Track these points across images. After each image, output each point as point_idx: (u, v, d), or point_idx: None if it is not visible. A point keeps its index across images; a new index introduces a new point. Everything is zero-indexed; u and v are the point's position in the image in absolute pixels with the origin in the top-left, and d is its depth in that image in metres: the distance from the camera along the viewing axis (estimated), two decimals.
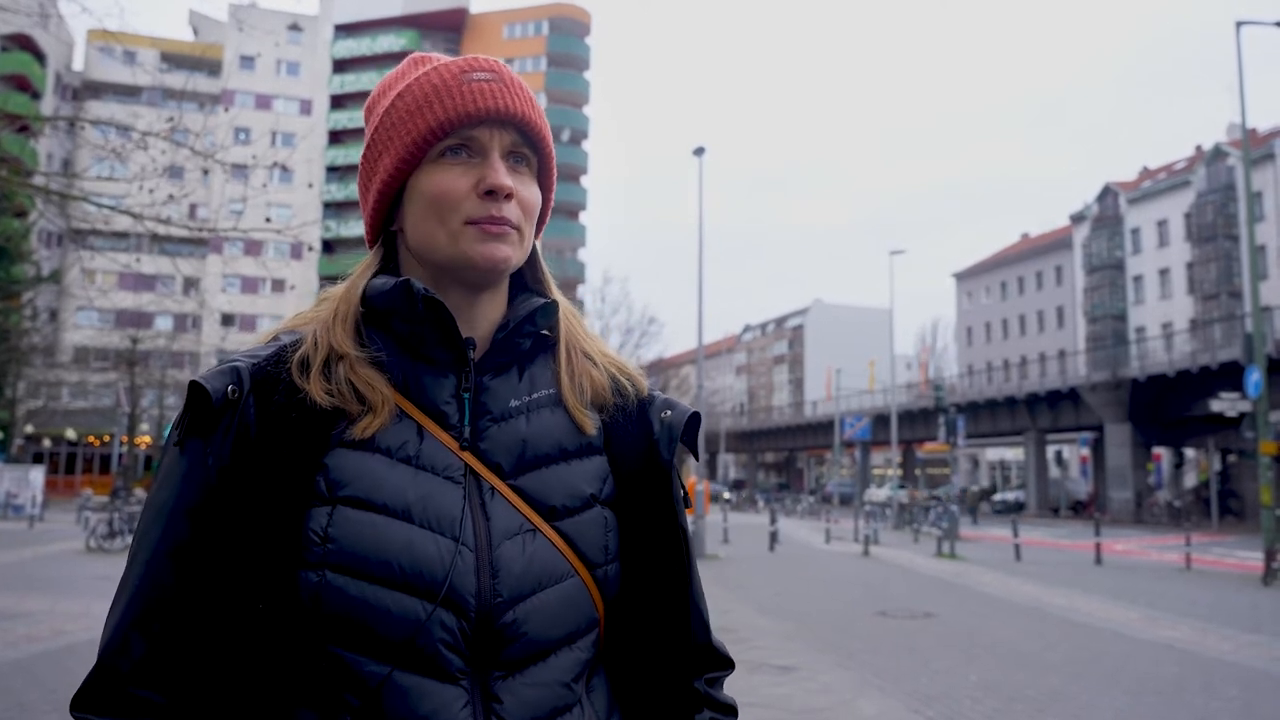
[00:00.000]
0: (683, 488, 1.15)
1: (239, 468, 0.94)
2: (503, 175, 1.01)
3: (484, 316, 1.06)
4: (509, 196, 1.02)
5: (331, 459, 0.96)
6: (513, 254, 1.03)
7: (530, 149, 1.06)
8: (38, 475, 29.48)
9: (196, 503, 0.94)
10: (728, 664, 1.19)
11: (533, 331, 1.07)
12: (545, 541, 1.00)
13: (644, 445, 1.10)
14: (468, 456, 1.00)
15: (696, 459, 1.17)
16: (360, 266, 1.09)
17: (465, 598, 0.94)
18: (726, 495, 49.13)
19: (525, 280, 1.13)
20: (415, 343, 1.03)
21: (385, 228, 1.09)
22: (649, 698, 1.09)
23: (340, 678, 0.92)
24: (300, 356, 1.01)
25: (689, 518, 1.18)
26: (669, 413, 1.12)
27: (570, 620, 1.00)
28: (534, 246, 1.11)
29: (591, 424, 1.08)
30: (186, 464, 0.95)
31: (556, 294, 1.14)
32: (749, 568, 16.94)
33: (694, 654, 1.13)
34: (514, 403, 1.04)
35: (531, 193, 1.05)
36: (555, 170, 1.10)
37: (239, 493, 0.94)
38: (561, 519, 1.02)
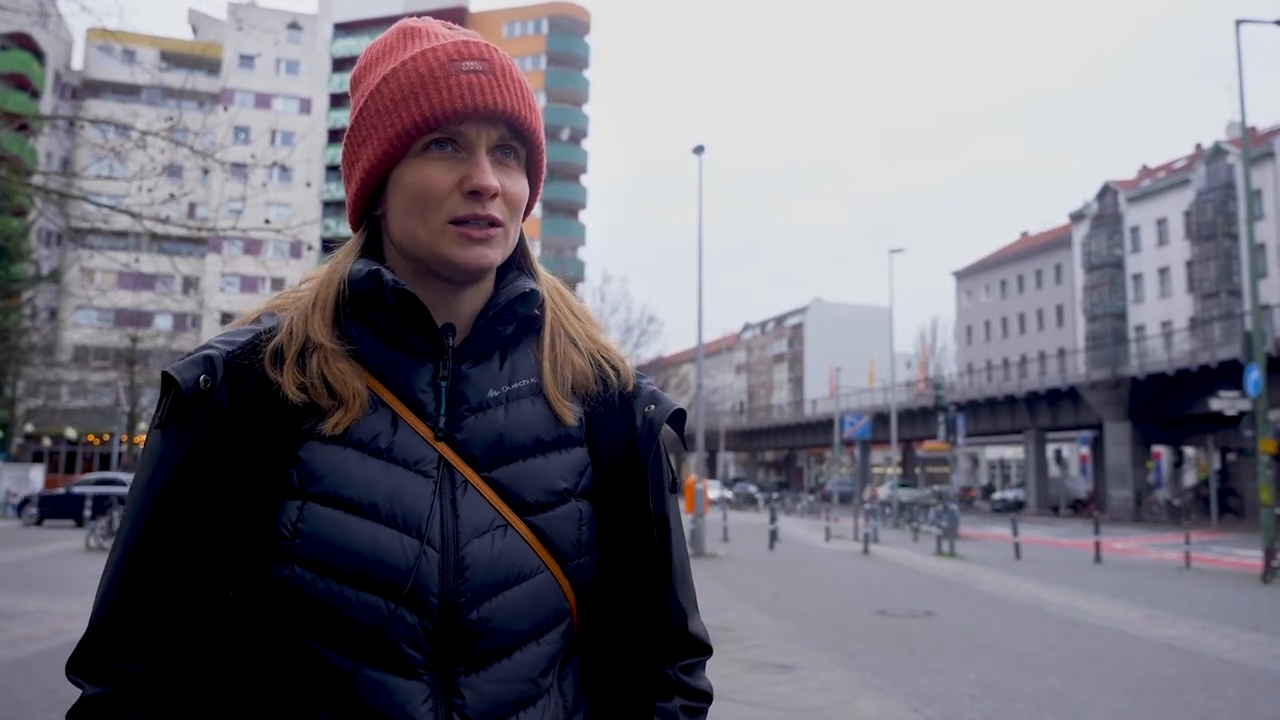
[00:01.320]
0: (671, 473, 1.14)
1: (212, 455, 0.95)
2: (488, 175, 0.98)
3: (466, 302, 1.04)
4: (494, 195, 0.99)
5: (305, 452, 0.96)
6: (497, 255, 1.01)
7: (519, 142, 1.03)
8: (37, 474, 29.57)
9: (173, 486, 0.96)
10: (705, 650, 1.17)
11: (514, 319, 1.06)
12: (516, 537, 0.99)
13: (625, 439, 1.08)
14: (442, 447, 0.99)
15: (686, 449, 1.17)
16: (342, 251, 1.07)
17: (428, 597, 0.94)
18: (758, 495, 49.01)
19: (513, 260, 1.10)
20: (392, 331, 1.02)
21: (369, 212, 1.07)
22: (618, 684, 1.08)
23: (311, 669, 0.94)
24: (274, 346, 1.00)
25: (687, 515, 1.16)
26: (652, 407, 1.10)
27: (538, 615, 1.00)
28: (520, 232, 1.09)
29: (571, 414, 1.06)
30: (164, 447, 0.97)
31: (543, 277, 1.12)
32: (748, 566, 16.93)
33: (668, 640, 1.12)
34: (493, 393, 1.03)
35: (519, 186, 1.03)
36: (545, 160, 1.08)
37: (213, 480, 0.95)
38: (535, 514, 1.01)
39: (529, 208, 1.08)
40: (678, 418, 1.12)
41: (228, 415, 0.97)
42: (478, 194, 0.98)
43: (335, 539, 0.93)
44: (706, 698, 1.16)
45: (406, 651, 0.93)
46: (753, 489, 56.02)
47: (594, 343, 1.14)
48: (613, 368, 1.13)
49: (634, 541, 1.07)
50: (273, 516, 0.94)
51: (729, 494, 49.44)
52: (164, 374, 0.96)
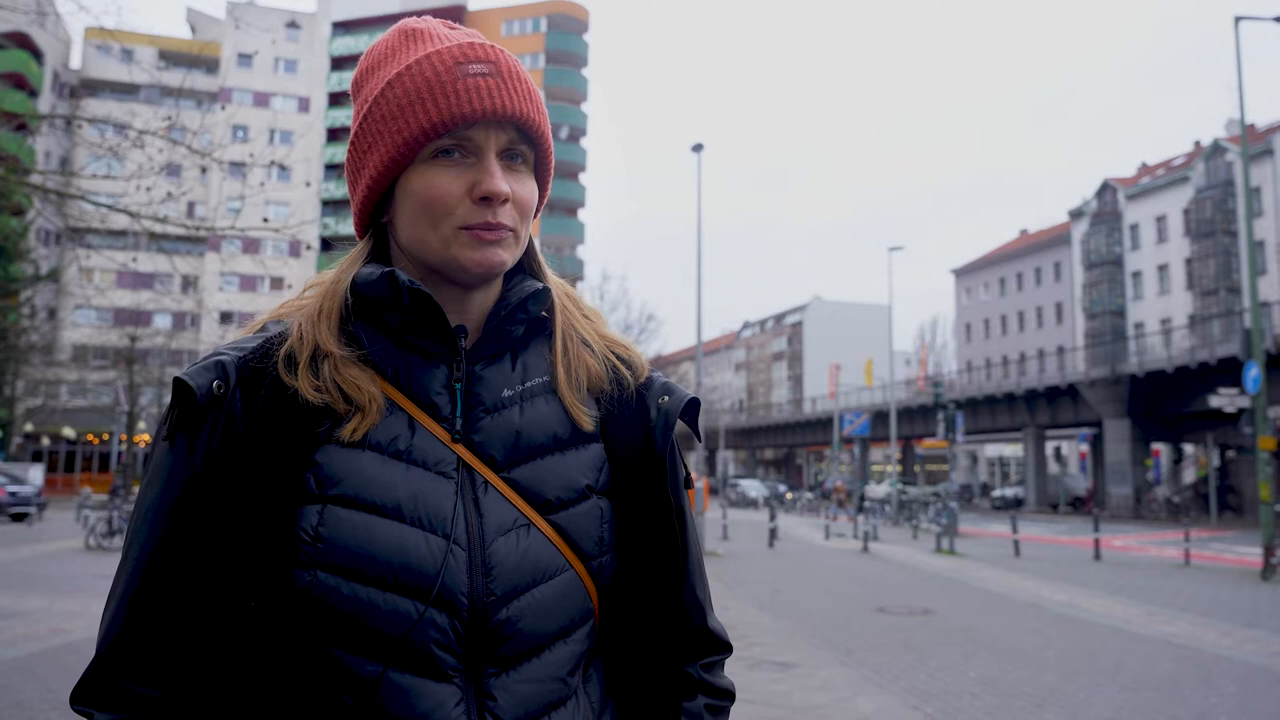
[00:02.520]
0: (685, 468, 1.13)
1: (227, 463, 0.93)
2: (499, 181, 0.97)
3: (476, 304, 1.04)
4: (504, 201, 0.98)
5: (322, 456, 0.94)
6: (508, 257, 1.00)
7: (528, 144, 1.02)
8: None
9: (185, 498, 0.93)
10: (725, 648, 1.16)
11: (525, 319, 1.05)
12: (540, 536, 0.98)
13: (641, 431, 1.08)
14: (460, 449, 0.98)
15: (700, 440, 1.16)
16: (348, 258, 1.06)
17: (458, 596, 0.93)
18: (790, 495, 47.25)
19: (520, 263, 1.10)
20: (405, 333, 1.01)
21: (375, 219, 1.06)
22: (641, 684, 1.08)
23: (336, 677, 0.91)
24: (286, 351, 0.99)
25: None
26: (666, 398, 1.10)
27: (564, 614, 0.99)
28: (529, 235, 1.09)
29: (588, 419, 1.05)
30: (174, 460, 0.94)
31: (551, 278, 1.11)
32: (748, 564, 16.94)
33: (688, 638, 1.12)
34: (507, 392, 1.02)
35: (528, 190, 1.02)
36: (553, 162, 1.07)
37: (227, 488, 0.93)
38: (556, 511, 1.00)
39: (537, 209, 1.07)
40: (691, 408, 1.12)
41: (241, 421, 0.95)
42: (488, 200, 0.97)
43: (359, 542, 0.91)
44: (729, 696, 1.15)
45: (437, 654, 0.92)
46: (783, 488, 55.56)
47: (605, 340, 1.13)
48: (626, 364, 1.12)
49: (653, 537, 1.06)
50: (291, 523, 0.92)
51: (770, 494, 47.15)
52: (176, 380, 0.93)
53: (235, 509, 0.93)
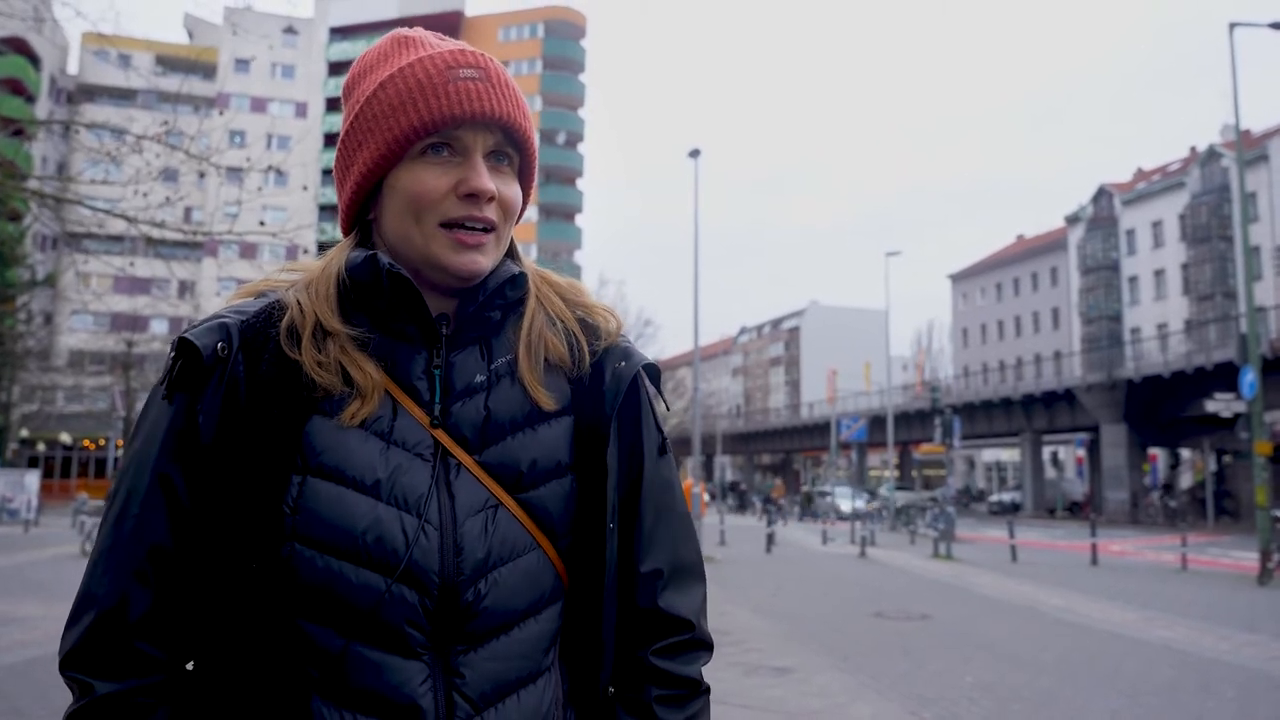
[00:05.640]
0: (660, 434, 1.12)
1: (226, 426, 0.94)
2: (485, 179, 1.00)
3: (454, 293, 1.06)
4: (490, 199, 1.01)
5: (309, 428, 0.96)
6: (487, 262, 1.02)
7: (513, 148, 1.05)
8: (33, 479, 29.46)
9: (185, 456, 0.94)
10: (682, 627, 1.09)
11: (503, 304, 1.07)
12: (508, 515, 1.00)
13: (599, 398, 1.08)
14: (438, 434, 1.00)
15: (668, 409, 1.16)
16: (335, 249, 1.08)
17: (429, 574, 0.94)
18: (853, 505, 36.64)
19: None
20: (389, 318, 1.02)
21: (361, 217, 1.08)
22: (592, 669, 1.06)
23: (302, 650, 0.92)
24: (288, 323, 1.00)
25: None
26: (622, 363, 1.10)
27: (533, 592, 1.00)
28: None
29: (548, 398, 1.06)
30: (173, 416, 0.95)
31: (526, 264, 1.13)
32: (746, 569, 16.92)
33: (637, 619, 1.08)
34: (479, 377, 1.04)
35: (513, 191, 1.05)
36: (536, 167, 1.09)
37: (225, 452, 0.94)
38: (526, 490, 1.01)
39: (520, 213, 1.09)
40: (648, 372, 1.12)
41: (244, 384, 0.96)
42: (474, 197, 0.99)
43: (336, 515, 0.92)
44: (691, 685, 1.10)
45: (407, 630, 0.93)
46: (850, 492, 54.69)
47: (575, 310, 1.13)
48: (593, 333, 1.12)
49: (597, 507, 1.05)
50: (280, 494, 0.93)
51: (863, 505, 39.63)
52: (181, 339, 0.95)
53: (230, 474, 0.93)
